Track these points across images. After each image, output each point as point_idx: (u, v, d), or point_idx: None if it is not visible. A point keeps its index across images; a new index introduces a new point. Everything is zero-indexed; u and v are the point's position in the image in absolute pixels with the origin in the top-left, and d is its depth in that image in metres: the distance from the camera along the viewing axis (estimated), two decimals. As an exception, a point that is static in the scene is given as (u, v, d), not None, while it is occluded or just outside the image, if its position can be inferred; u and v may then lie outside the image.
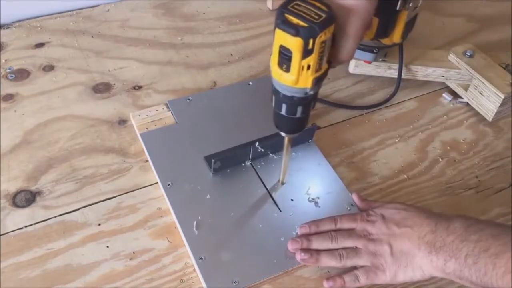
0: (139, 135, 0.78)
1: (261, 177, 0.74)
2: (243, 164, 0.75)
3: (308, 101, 0.59)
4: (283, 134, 0.65)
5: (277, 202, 0.71)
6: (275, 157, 0.76)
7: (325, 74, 0.57)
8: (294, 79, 0.56)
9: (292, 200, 0.72)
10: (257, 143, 0.74)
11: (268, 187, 0.73)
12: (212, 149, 0.75)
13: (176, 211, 0.69)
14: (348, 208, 0.71)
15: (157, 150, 0.75)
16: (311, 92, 0.58)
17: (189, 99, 0.82)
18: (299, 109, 0.60)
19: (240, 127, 0.79)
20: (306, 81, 0.56)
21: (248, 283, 0.63)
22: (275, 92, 0.59)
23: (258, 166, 0.75)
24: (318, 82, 0.57)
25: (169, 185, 0.71)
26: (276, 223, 0.69)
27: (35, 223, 0.68)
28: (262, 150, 0.75)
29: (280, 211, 0.70)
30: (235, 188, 0.72)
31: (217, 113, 0.81)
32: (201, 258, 0.64)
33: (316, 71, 0.56)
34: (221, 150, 0.75)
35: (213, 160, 0.72)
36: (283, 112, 0.60)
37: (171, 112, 0.81)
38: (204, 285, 0.63)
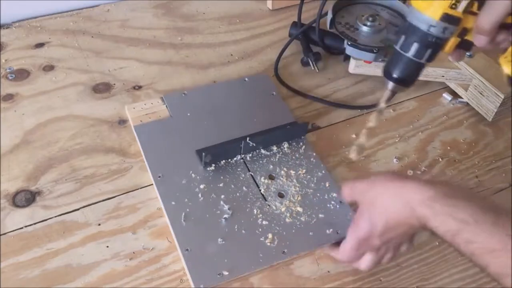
0: (133, 127, 0.78)
1: (251, 171, 0.74)
2: (234, 158, 0.75)
3: (426, 42, 0.58)
4: (390, 85, 0.62)
5: (266, 197, 0.71)
6: (266, 152, 0.76)
7: (453, 23, 0.56)
8: (426, 4, 0.55)
9: (280, 196, 0.72)
10: (248, 138, 0.74)
11: (257, 182, 0.73)
12: (205, 143, 0.76)
13: (165, 203, 0.69)
14: (338, 206, 0.71)
15: (150, 142, 0.76)
16: (434, 30, 0.57)
17: (184, 94, 0.83)
18: (415, 46, 0.58)
19: (234, 123, 0.80)
20: (435, 11, 0.55)
21: (233, 276, 0.64)
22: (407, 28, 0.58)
23: (249, 161, 0.75)
24: (446, 20, 0.56)
25: (159, 177, 0.72)
26: (264, 217, 0.69)
27: (35, 223, 0.68)
28: (254, 145, 0.75)
29: (269, 206, 0.70)
30: (225, 182, 0.73)
31: (212, 108, 0.82)
32: (187, 250, 0.65)
33: (450, 6, 0.55)
34: (213, 144, 0.75)
35: (203, 154, 0.72)
36: (407, 50, 0.59)
37: (166, 106, 0.81)
38: (188, 276, 0.63)
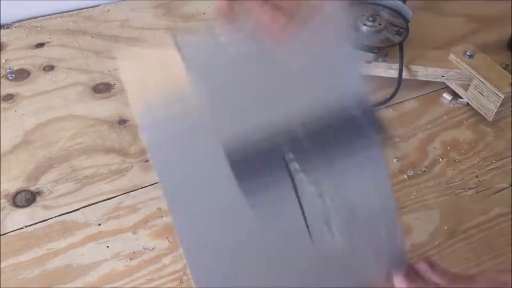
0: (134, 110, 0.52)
1: (299, 195, 0.47)
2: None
3: None
4: None
5: (311, 232, 0.48)
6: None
7: None
8: None
9: (327, 227, 0.48)
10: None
11: (305, 211, 0.48)
12: (231, 123, 0.47)
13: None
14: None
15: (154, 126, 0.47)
16: None
17: (209, 35, 0.52)
18: None
19: (279, 89, 0.49)
20: None
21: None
22: None
23: (298, 169, 0.48)
24: None
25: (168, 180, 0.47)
26: (304, 260, 0.49)
27: (35, 223, 0.68)
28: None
29: (313, 245, 0.48)
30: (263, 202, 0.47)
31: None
32: (191, 251, 0.48)
33: None
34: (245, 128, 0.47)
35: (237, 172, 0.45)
36: None
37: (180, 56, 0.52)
38: (191, 276, 0.56)
